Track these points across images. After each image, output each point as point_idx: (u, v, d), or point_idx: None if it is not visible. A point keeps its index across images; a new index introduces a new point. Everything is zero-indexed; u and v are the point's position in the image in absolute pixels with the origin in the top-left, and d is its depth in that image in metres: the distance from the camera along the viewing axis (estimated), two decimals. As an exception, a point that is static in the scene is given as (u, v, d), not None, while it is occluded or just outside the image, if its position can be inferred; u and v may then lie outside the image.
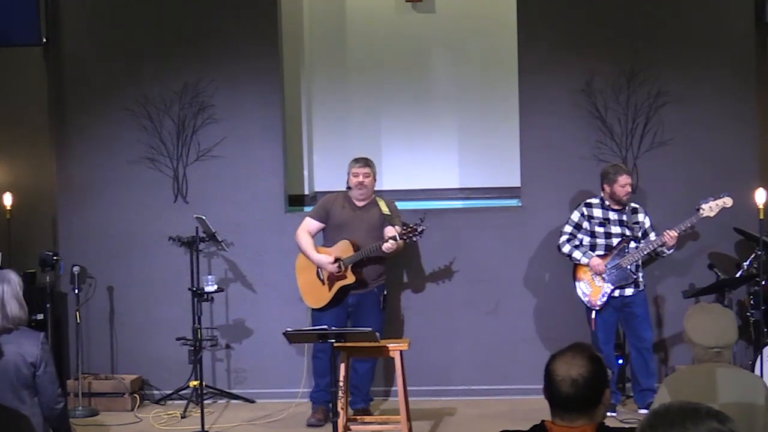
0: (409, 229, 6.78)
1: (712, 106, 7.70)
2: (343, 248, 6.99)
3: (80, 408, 7.49)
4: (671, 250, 7.12)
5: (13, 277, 4.86)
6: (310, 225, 7.18)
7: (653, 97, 7.66)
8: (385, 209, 7.10)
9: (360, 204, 7.14)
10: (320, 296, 7.07)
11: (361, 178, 7.10)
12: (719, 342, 3.97)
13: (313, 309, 7.17)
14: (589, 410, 3.00)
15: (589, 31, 7.77)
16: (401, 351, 6.38)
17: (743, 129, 7.68)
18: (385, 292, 7.18)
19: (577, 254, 7.14)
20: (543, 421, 3.07)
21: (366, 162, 7.18)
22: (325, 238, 7.19)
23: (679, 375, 4.34)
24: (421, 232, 6.77)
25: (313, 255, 7.04)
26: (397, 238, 6.78)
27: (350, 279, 6.97)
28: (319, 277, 7.07)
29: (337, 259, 6.96)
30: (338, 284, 7.00)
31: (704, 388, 3.77)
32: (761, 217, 6.92)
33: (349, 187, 7.17)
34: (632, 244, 7.09)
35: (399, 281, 7.79)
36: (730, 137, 7.69)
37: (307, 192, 8.89)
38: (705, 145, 7.70)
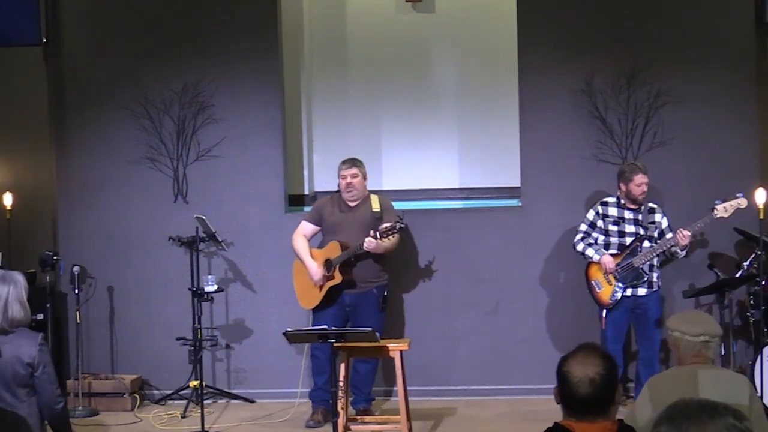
0: (388, 228, 6.78)
1: (712, 106, 7.70)
2: (332, 249, 7.03)
3: (80, 408, 7.49)
4: (684, 251, 6.97)
5: (20, 279, 4.85)
6: (305, 228, 7.23)
7: (653, 97, 7.65)
8: (376, 206, 7.10)
9: (352, 204, 7.14)
10: (312, 297, 7.12)
11: (348, 180, 7.10)
12: (706, 329, 4.03)
13: (312, 310, 7.20)
14: (606, 409, 2.97)
15: (589, 31, 7.77)
16: (401, 351, 6.38)
17: (743, 129, 7.68)
18: (386, 293, 7.18)
19: (589, 251, 7.09)
20: (557, 422, 2.99)
21: (353, 162, 7.16)
22: (323, 239, 7.22)
23: (661, 376, 4.35)
24: (399, 229, 6.77)
25: (306, 260, 7.11)
26: (377, 236, 6.77)
27: (337, 279, 6.99)
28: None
29: (327, 260, 7.00)
30: (327, 284, 7.04)
31: (686, 388, 3.78)
32: (761, 217, 6.91)
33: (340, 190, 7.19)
34: (646, 244, 7.03)
35: (399, 281, 7.78)
36: (730, 137, 7.68)
37: (307, 192, 8.88)
38: (705, 145, 7.70)
